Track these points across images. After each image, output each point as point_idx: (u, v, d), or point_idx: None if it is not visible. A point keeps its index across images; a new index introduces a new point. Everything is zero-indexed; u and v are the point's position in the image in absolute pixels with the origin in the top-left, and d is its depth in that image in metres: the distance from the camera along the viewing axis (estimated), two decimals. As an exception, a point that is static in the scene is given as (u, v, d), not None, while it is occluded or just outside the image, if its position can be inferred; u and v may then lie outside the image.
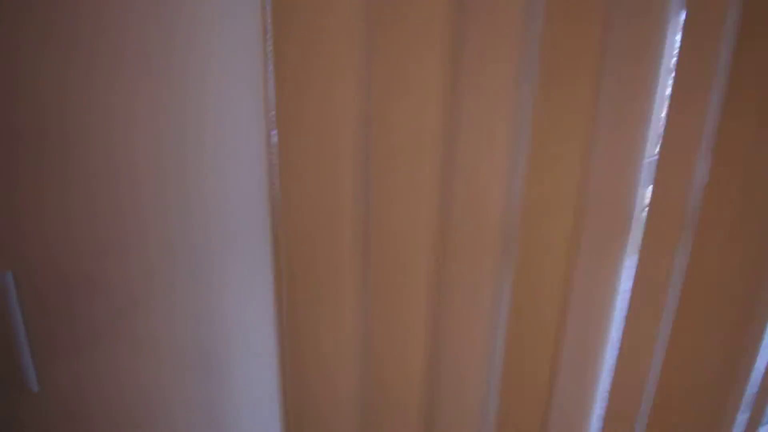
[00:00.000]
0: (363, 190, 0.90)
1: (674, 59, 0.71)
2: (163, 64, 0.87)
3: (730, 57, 0.67)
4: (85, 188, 0.88)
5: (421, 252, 0.87)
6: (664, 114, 0.74)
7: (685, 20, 0.68)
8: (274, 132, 0.92)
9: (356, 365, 1.01)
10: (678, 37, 0.70)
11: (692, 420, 0.81)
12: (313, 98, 0.85)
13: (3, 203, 0.85)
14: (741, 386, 0.77)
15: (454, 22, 0.75)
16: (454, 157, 0.82)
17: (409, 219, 0.87)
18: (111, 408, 1.04)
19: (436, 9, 0.74)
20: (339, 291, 0.96)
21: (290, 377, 1.05)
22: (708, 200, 0.72)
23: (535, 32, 0.73)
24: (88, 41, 0.82)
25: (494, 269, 0.86)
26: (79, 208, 0.89)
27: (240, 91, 0.92)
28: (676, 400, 0.80)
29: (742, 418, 0.82)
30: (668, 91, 0.72)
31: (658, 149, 0.75)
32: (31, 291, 0.91)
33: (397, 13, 0.76)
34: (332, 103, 0.84)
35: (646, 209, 0.77)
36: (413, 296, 0.91)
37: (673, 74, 0.71)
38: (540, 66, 0.74)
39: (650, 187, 0.77)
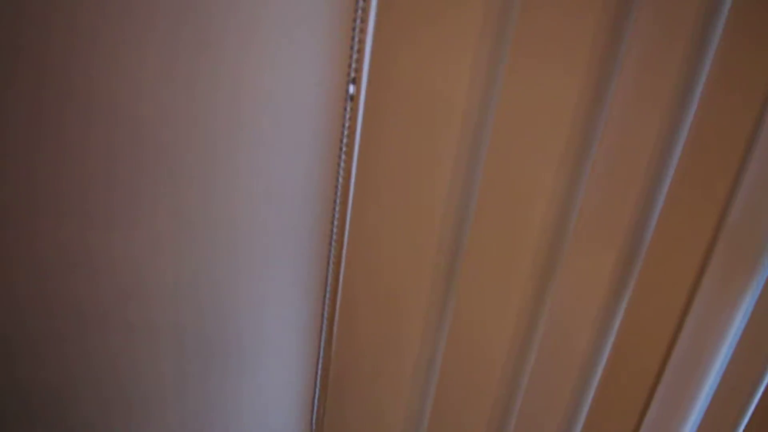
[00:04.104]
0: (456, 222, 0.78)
1: None
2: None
3: None
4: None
5: (522, 262, 0.78)
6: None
7: None
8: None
9: (415, 392, 0.89)
10: None
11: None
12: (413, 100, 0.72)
13: None
14: None
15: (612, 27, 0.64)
16: (582, 173, 0.72)
17: (515, 232, 0.77)
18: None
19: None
20: (408, 314, 0.86)
21: (331, 400, 0.94)
22: None
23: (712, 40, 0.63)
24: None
25: (609, 286, 0.77)
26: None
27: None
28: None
29: None
30: None
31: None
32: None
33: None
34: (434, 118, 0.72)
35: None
36: (502, 318, 0.82)
37: None
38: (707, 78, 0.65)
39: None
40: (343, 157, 0.79)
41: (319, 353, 0.98)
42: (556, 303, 0.81)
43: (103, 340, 0.89)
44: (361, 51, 0.70)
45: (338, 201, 0.83)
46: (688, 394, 0.81)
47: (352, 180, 0.81)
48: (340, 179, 0.81)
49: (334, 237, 0.87)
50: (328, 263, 0.90)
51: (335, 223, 0.85)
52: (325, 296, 0.93)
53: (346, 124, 0.74)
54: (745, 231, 0.70)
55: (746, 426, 0.77)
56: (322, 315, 0.95)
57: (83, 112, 0.73)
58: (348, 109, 0.74)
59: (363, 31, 0.69)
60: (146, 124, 0.75)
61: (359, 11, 0.67)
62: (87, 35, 0.70)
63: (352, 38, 0.69)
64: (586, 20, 0.64)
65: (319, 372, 0.98)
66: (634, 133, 0.69)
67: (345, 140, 0.76)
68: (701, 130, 0.67)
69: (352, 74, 0.71)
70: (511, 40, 0.68)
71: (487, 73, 0.71)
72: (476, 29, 0.68)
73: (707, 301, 0.75)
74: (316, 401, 1.01)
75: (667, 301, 0.75)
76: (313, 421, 1.03)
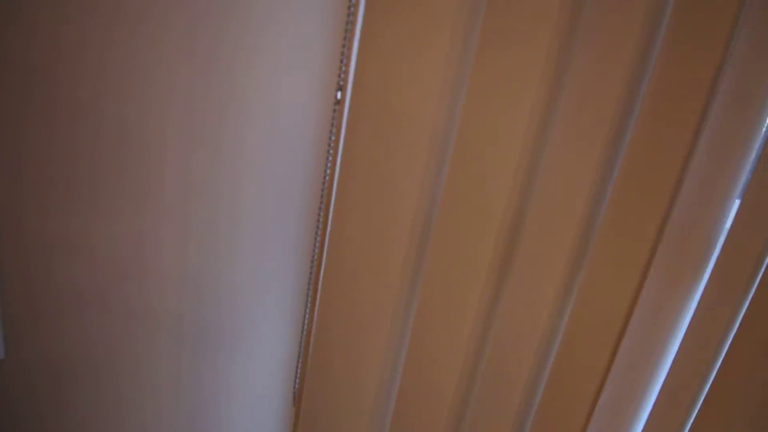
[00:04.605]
0: (428, 204, 0.86)
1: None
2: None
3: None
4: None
5: (480, 259, 0.83)
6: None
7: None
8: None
9: (387, 369, 0.96)
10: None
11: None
12: (391, 96, 0.81)
13: None
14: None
15: (565, 35, 0.72)
16: (534, 175, 0.79)
17: (476, 227, 0.83)
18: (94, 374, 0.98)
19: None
20: (381, 296, 0.92)
21: (311, 374, 0.99)
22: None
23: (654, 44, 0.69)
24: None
25: (558, 284, 0.82)
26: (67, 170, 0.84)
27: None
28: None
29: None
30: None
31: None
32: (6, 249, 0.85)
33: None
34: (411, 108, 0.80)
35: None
36: (462, 305, 0.87)
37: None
38: (652, 76, 0.70)
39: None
40: (330, 154, 0.90)
41: (300, 341, 1.05)
42: (508, 306, 0.86)
43: (101, 321, 0.95)
44: (347, 64, 0.83)
45: (324, 196, 0.93)
46: (635, 393, 0.84)
47: (336, 177, 0.91)
48: (327, 176, 0.92)
49: (319, 231, 0.96)
50: (313, 255, 0.99)
51: (320, 216, 0.95)
52: (308, 287, 1.02)
53: (334, 124, 0.86)
54: (687, 231, 0.73)
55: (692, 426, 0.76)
56: (306, 305, 1.03)
57: (93, 119, 0.82)
58: (335, 112, 0.86)
59: (349, 48, 0.83)
60: (150, 125, 0.84)
61: (347, 31, 0.81)
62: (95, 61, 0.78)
63: (342, 53, 0.83)
64: (540, 31, 0.72)
65: (300, 358, 1.05)
66: (581, 141, 0.75)
67: (332, 138, 0.88)
68: (645, 132, 0.71)
69: (340, 82, 0.84)
70: (473, 60, 0.78)
71: (452, 87, 0.81)
72: (443, 52, 0.79)
73: (652, 303, 0.78)
74: (296, 384, 1.07)
75: (612, 304, 0.78)
76: (294, 401, 1.10)
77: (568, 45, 0.73)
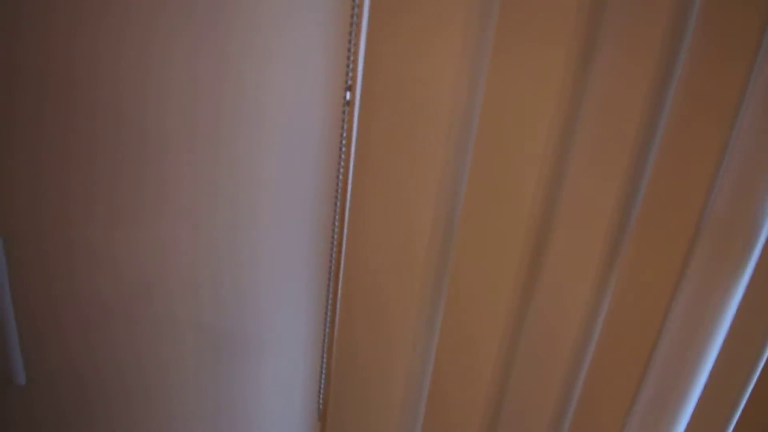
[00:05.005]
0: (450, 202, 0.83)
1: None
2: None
3: None
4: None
5: (510, 251, 0.80)
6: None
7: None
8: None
9: (414, 376, 0.94)
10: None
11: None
12: (407, 86, 0.77)
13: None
14: None
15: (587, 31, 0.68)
16: (563, 166, 0.76)
17: (503, 226, 0.80)
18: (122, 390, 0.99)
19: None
20: (405, 297, 0.90)
21: (335, 379, 0.98)
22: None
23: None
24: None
25: (596, 276, 0.78)
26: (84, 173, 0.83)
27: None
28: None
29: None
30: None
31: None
32: (24, 263, 0.85)
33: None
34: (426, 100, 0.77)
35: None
36: (495, 303, 0.84)
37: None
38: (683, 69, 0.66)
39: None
40: (342, 158, 0.86)
41: (323, 348, 1.03)
42: (542, 298, 0.83)
43: (127, 331, 0.96)
44: (355, 61, 0.79)
45: (338, 200, 0.90)
46: (678, 378, 0.80)
47: (350, 179, 0.88)
48: (340, 180, 0.89)
49: (335, 233, 0.93)
50: (331, 259, 0.97)
51: (336, 220, 0.92)
52: (328, 293, 0.99)
53: (344, 127, 0.82)
54: (728, 223, 0.70)
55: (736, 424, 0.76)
56: (326, 310, 1.00)
57: (114, 126, 0.81)
58: (345, 113, 0.82)
59: (356, 44, 0.78)
60: (172, 134, 0.83)
61: (353, 25, 0.77)
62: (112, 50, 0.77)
63: (348, 50, 0.78)
64: (563, 17, 0.68)
65: (324, 366, 1.03)
66: (614, 123, 0.71)
67: (343, 142, 0.84)
68: (680, 123, 0.68)
69: (348, 82, 0.80)
70: (491, 50, 0.74)
71: (469, 79, 0.77)
72: (457, 43, 0.75)
73: (692, 297, 0.75)
74: (321, 392, 1.06)
75: (650, 298, 0.75)
76: (319, 409, 1.08)
77: (593, 28, 0.69)
